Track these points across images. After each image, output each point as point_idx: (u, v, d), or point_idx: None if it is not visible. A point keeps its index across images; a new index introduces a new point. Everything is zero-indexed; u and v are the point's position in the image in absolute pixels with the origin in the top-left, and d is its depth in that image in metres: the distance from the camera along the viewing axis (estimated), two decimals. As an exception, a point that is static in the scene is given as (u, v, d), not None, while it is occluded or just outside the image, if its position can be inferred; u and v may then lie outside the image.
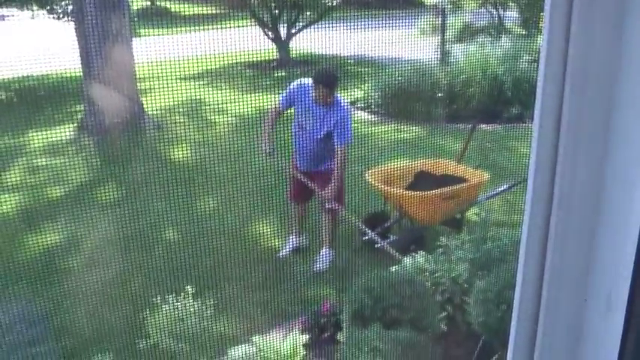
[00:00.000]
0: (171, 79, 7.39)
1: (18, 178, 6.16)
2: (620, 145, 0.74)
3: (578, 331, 0.84)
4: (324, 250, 5.16)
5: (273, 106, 5.10)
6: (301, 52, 11.01)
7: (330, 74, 5.17)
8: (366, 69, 10.14)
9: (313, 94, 4.84)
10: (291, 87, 5.05)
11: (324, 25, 9.73)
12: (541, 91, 0.76)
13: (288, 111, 5.14)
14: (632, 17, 0.70)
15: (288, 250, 5.26)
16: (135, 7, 9.97)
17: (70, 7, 8.50)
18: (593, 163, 0.77)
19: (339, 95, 4.99)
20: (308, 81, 4.94)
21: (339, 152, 4.85)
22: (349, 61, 10.52)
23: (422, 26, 12.45)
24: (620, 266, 0.75)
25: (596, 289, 0.81)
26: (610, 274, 0.78)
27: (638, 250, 0.72)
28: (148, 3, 11.65)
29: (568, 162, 0.77)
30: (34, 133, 6.51)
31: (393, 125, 8.19)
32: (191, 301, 3.89)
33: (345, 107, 5.07)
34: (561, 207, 0.79)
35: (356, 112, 8.32)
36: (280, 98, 5.06)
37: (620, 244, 0.76)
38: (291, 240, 5.30)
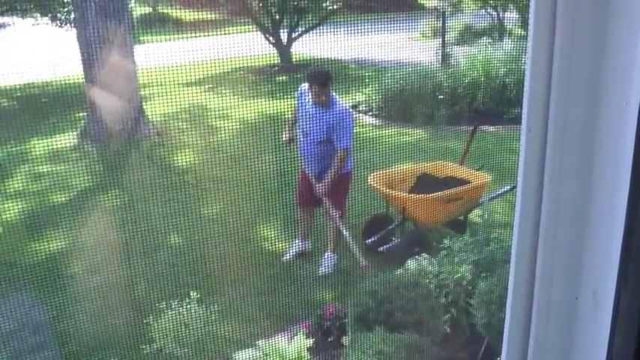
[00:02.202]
0: (173, 85, 7.43)
1: (21, 185, 6.18)
2: (606, 150, 0.76)
3: (570, 328, 0.85)
4: (327, 254, 5.17)
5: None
6: (302, 56, 11.03)
7: (320, 71, 5.21)
8: (368, 72, 10.14)
9: (310, 96, 4.89)
10: (297, 92, 5.16)
11: (325, 29, 9.74)
12: (528, 95, 0.77)
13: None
14: (615, 21, 0.72)
15: (292, 253, 5.27)
16: (136, 14, 10.01)
17: (72, 15, 8.54)
18: (580, 167, 0.78)
19: (335, 96, 5.02)
20: (306, 85, 5.01)
21: (338, 153, 4.90)
22: (351, 65, 10.53)
23: (422, 29, 12.47)
24: (607, 264, 0.77)
25: (586, 287, 0.82)
26: (597, 272, 0.80)
27: (624, 249, 0.74)
28: (150, 9, 11.69)
29: (556, 166, 0.78)
30: (37, 140, 6.55)
31: (395, 128, 8.20)
32: (195, 305, 3.90)
33: (343, 108, 5.09)
34: (550, 209, 0.81)
35: (358, 115, 8.33)
36: (296, 102, 5.28)
37: (606, 243, 0.77)
38: (295, 243, 5.31)
